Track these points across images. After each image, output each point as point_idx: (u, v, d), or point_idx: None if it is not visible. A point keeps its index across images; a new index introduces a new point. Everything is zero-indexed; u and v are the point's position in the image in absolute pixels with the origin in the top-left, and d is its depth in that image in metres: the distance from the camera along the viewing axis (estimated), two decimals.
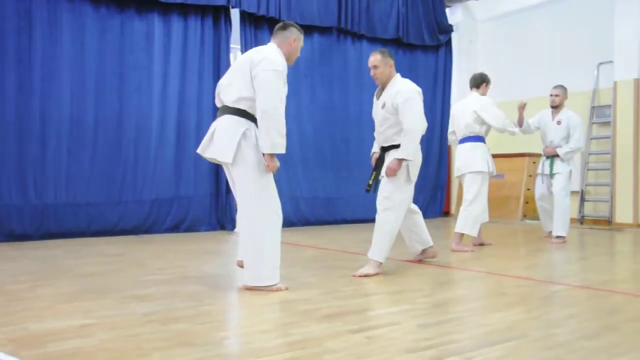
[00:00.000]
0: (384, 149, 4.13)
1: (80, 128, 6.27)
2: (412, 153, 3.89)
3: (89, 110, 6.32)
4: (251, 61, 3.28)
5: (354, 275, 3.88)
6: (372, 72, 4.07)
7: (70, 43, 6.21)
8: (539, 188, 6.15)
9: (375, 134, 4.21)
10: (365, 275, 3.87)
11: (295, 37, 3.47)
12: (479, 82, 5.54)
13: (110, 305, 2.99)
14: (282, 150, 3.24)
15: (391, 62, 4.06)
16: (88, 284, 3.55)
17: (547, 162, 6.06)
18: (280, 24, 3.51)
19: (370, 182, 4.14)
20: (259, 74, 3.23)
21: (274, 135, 3.20)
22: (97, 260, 4.62)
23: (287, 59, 3.47)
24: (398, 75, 4.09)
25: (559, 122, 5.98)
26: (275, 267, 3.34)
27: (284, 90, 3.27)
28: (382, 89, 4.11)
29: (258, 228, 3.27)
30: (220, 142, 3.30)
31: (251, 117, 3.31)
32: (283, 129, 3.24)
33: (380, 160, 4.14)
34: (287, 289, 3.36)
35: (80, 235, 6.18)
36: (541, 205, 6.19)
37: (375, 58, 4.03)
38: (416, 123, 3.89)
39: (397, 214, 3.96)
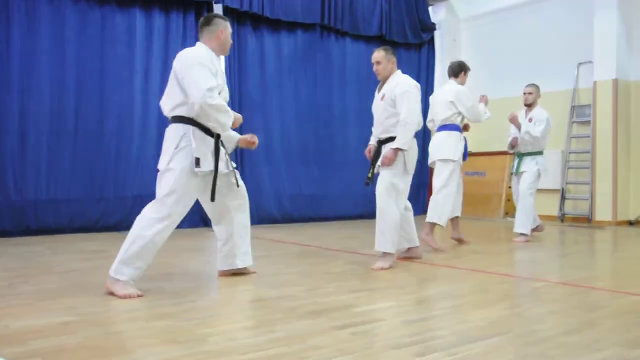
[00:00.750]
0: (381, 142, 4.20)
1: (61, 123, 6.19)
2: (407, 143, 4.02)
3: (70, 105, 6.24)
4: (174, 68, 3.29)
5: (372, 269, 3.95)
6: (374, 68, 4.25)
7: (49, 36, 6.12)
8: (514, 187, 6.20)
9: (374, 128, 4.30)
10: (381, 269, 3.95)
11: (221, 28, 3.44)
12: (457, 70, 5.54)
13: (92, 302, 2.96)
14: (230, 124, 3.30)
15: (393, 59, 4.26)
16: (70, 281, 3.52)
17: (516, 161, 6.11)
18: (202, 19, 3.48)
19: (370, 175, 4.21)
20: (183, 74, 3.22)
21: (218, 119, 3.23)
22: (79, 257, 4.57)
23: (221, 51, 3.46)
24: (399, 71, 4.26)
25: (530, 120, 6.03)
26: (125, 260, 3.14)
27: (212, 80, 3.19)
28: (383, 83, 4.26)
29: (136, 225, 3.20)
30: (162, 153, 3.31)
31: (188, 120, 3.27)
32: (222, 109, 3.21)
33: (377, 154, 4.20)
34: (138, 296, 3.10)
35: (61, 231, 6.11)
36: (516, 203, 6.19)
37: (378, 54, 4.23)
38: (412, 115, 4.03)
39: (397, 204, 4.04)
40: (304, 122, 8.04)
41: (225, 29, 3.47)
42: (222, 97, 3.35)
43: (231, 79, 7.22)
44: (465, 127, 5.59)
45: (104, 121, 6.44)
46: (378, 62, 4.21)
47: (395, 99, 4.08)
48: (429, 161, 5.45)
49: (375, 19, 8.75)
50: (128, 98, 6.55)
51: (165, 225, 3.21)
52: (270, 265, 4.23)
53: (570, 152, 8.28)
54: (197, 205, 7.55)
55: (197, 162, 3.23)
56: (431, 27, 9.45)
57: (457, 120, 5.39)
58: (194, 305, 2.94)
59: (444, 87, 5.56)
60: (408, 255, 4.52)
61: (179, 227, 6.60)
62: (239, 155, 7.42)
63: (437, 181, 5.26)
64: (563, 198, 8.22)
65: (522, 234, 5.81)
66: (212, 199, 3.39)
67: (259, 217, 7.56)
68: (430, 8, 9.57)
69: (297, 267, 4.18)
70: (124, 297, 3.07)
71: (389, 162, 4.03)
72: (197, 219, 6.85)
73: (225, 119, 3.27)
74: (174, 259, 4.52)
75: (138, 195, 6.57)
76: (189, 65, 3.21)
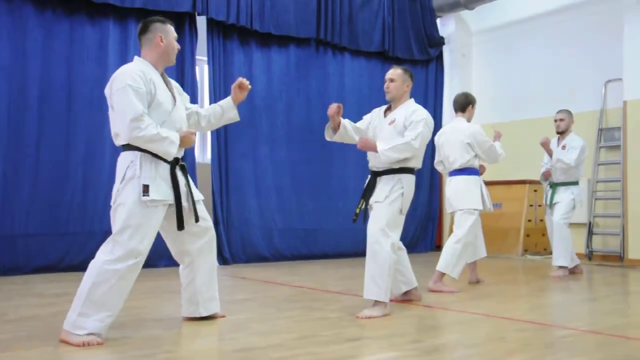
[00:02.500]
0: (376, 174, 4.17)
1: (20, 148, 6.18)
2: (392, 157, 3.99)
3: (31, 127, 6.24)
4: (106, 94, 3.32)
5: (357, 317, 3.87)
6: (386, 85, 4.26)
7: (8, 49, 6.14)
8: (548, 221, 6.36)
9: (370, 156, 4.24)
10: (370, 317, 3.86)
11: (160, 35, 3.43)
12: (464, 104, 5.57)
13: (50, 356, 2.92)
14: (174, 149, 3.29)
15: (409, 82, 4.30)
16: (23, 331, 3.47)
17: (550, 192, 6.27)
18: (139, 26, 3.49)
19: (357, 210, 4.19)
20: (111, 101, 3.26)
21: (154, 149, 3.24)
22: (35, 302, 4.52)
23: (164, 62, 3.48)
24: (412, 100, 4.30)
25: (563, 147, 6.17)
26: (85, 313, 3.11)
27: (138, 107, 3.17)
28: (392, 106, 4.28)
29: (89, 271, 3.18)
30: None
31: (134, 147, 3.28)
32: (153, 139, 3.20)
33: (370, 188, 4.18)
34: (98, 344, 3.07)
35: (16, 272, 6.04)
36: (550, 238, 6.38)
37: (395, 72, 4.29)
38: (420, 142, 4.03)
39: (393, 245, 3.99)
40: (297, 148, 8.06)
41: (166, 34, 3.46)
42: (173, 117, 3.37)
43: (216, 98, 7.28)
44: (482, 169, 5.67)
45: (70, 147, 6.44)
46: (392, 80, 4.24)
47: (410, 125, 4.08)
48: (449, 210, 5.55)
49: (377, 33, 8.86)
50: (98, 121, 6.52)
51: (128, 266, 3.18)
52: (258, 310, 4.20)
53: (597, 181, 8.31)
54: None
55: (146, 189, 3.22)
56: (439, 42, 9.57)
57: (475, 164, 5.47)
58: (170, 357, 2.90)
59: (455, 126, 5.56)
60: (406, 298, 4.50)
61: (152, 266, 6.63)
62: (224, 185, 7.43)
63: (458, 230, 5.30)
64: (590, 233, 8.21)
65: (561, 267, 5.93)
66: (180, 227, 3.38)
67: (246, 255, 7.54)
68: (438, 20, 9.70)
69: (288, 311, 4.14)
70: (81, 345, 3.03)
71: (362, 144, 4.05)
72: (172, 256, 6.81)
73: (164, 148, 3.26)
74: (146, 302, 4.47)
75: (108, 230, 6.49)
76: (115, 90, 3.23)
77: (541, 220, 8.67)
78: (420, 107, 4.21)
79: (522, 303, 4.71)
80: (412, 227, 8.99)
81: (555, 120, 6.33)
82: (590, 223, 8.22)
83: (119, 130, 3.25)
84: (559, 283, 5.75)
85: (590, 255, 8.16)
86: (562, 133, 6.30)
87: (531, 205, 8.71)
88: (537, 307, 4.57)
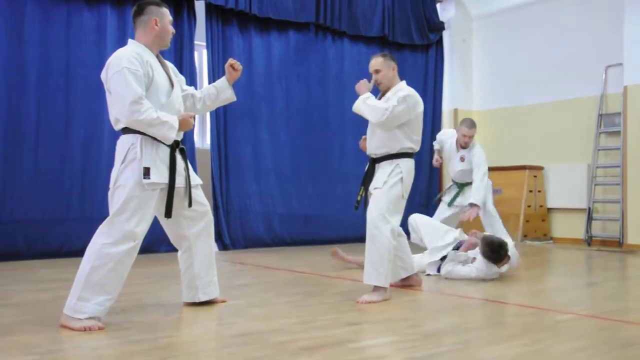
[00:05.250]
0: (376, 160, 4.18)
1: (19, 134, 6.18)
2: (357, 107, 4.17)
3: (29, 113, 6.23)
4: (102, 78, 3.33)
5: (357, 302, 3.88)
6: (374, 77, 4.23)
7: (5, 35, 6.12)
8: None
9: (368, 142, 4.27)
10: (369, 302, 3.87)
11: (155, 18, 3.42)
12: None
13: (53, 339, 2.94)
14: (173, 134, 3.30)
15: (393, 64, 4.23)
16: (27, 315, 3.49)
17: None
18: (134, 9, 3.48)
19: (359, 198, 4.23)
20: (109, 85, 3.26)
21: (153, 133, 3.26)
22: (38, 287, 4.54)
23: (159, 45, 3.47)
24: (404, 82, 4.27)
25: (462, 159, 6.45)
26: (84, 297, 3.12)
27: (137, 89, 3.18)
28: (384, 93, 4.26)
29: (87, 254, 3.22)
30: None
31: (135, 130, 3.29)
32: (153, 123, 3.21)
33: (369, 174, 4.19)
34: (99, 329, 3.10)
35: (18, 257, 6.06)
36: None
37: (376, 61, 4.21)
38: (391, 114, 4.02)
39: (393, 230, 3.99)
40: (297, 133, 8.06)
41: (161, 17, 3.45)
42: (171, 100, 3.39)
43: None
44: None
45: (69, 132, 6.44)
46: (377, 71, 4.20)
47: (390, 99, 4.09)
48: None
49: (377, 18, 8.82)
50: (97, 106, 6.52)
51: (126, 249, 3.20)
52: (258, 295, 4.22)
53: (597, 167, 8.31)
54: None
55: (147, 172, 3.24)
56: (439, 27, 9.53)
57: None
58: (170, 342, 2.92)
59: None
60: (407, 284, 4.52)
61: (154, 251, 6.65)
62: (224, 170, 7.43)
63: None
64: (590, 219, 8.23)
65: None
66: (167, 214, 3.39)
67: (245, 241, 7.56)
68: (438, 5, 9.66)
69: (288, 296, 4.16)
70: (81, 329, 3.06)
71: (359, 88, 4.20)
72: None
73: (163, 133, 3.26)
74: (147, 287, 4.50)
75: (108, 216, 6.55)
76: (112, 74, 3.22)
77: (541, 206, 8.70)
78: (407, 88, 4.16)
79: (522, 288, 4.73)
80: (410, 211, 8.95)
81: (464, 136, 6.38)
82: (589, 209, 8.24)
83: (118, 114, 3.25)
84: (558, 268, 5.77)
85: (589, 241, 8.18)
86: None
87: (530, 191, 8.72)
88: (537, 292, 4.59)
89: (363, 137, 4.39)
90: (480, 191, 6.07)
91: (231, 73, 3.78)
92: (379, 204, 4.00)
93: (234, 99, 3.90)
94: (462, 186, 6.49)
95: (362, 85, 4.20)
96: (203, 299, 3.72)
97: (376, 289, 3.99)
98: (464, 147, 6.37)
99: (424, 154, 9.28)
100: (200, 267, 3.68)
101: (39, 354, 2.66)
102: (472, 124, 6.30)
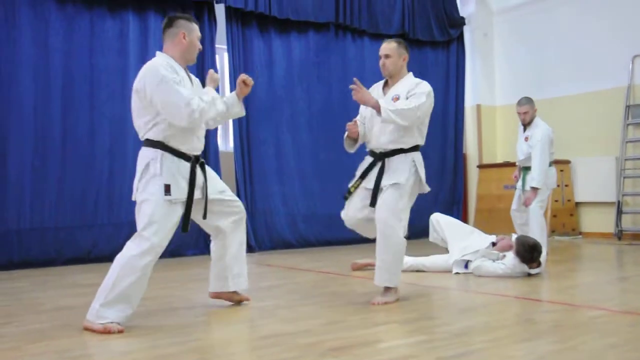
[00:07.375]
0: (384, 155, 4.04)
1: (46, 141, 6.27)
2: (390, 118, 3.80)
3: (56, 121, 6.32)
4: (136, 88, 3.37)
5: (372, 303, 3.84)
6: (381, 62, 4.09)
7: (31, 44, 6.21)
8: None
9: (369, 136, 4.15)
10: (386, 303, 3.83)
11: (183, 32, 3.47)
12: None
13: (86, 344, 2.99)
14: (238, 107, 3.64)
15: (405, 55, 4.09)
16: (60, 320, 3.55)
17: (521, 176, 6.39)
18: (165, 21, 3.55)
19: (352, 190, 4.16)
20: (152, 94, 3.29)
21: (216, 121, 3.58)
22: (70, 292, 4.61)
23: (185, 59, 3.52)
24: (411, 74, 4.14)
25: (526, 139, 6.21)
26: (108, 303, 3.21)
27: (184, 91, 3.28)
28: (387, 84, 4.14)
29: (116, 263, 3.29)
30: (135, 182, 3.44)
31: (158, 144, 3.37)
32: (209, 113, 3.41)
33: (369, 169, 4.09)
34: (119, 332, 3.16)
35: (49, 264, 6.15)
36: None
37: (389, 46, 4.06)
38: (422, 113, 3.89)
39: (405, 229, 3.94)
40: (319, 133, 8.06)
41: (189, 31, 3.50)
42: None
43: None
44: None
45: (95, 138, 6.51)
46: (387, 55, 4.04)
47: (413, 96, 3.92)
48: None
49: (397, 15, 8.78)
50: (121, 112, 6.58)
51: (149, 260, 3.30)
52: (285, 296, 4.24)
53: (626, 159, 8.19)
54: (202, 231, 7.54)
55: (167, 189, 3.32)
56: (460, 22, 9.47)
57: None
58: (200, 345, 2.95)
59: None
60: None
61: (181, 255, 6.69)
62: (247, 172, 7.47)
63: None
64: (619, 212, 8.12)
65: None
66: (184, 229, 3.47)
67: (271, 242, 7.58)
68: (458, 0, 9.59)
69: (315, 297, 4.17)
70: (101, 330, 3.14)
71: (360, 97, 3.91)
72: (201, 245, 6.89)
73: (220, 116, 3.51)
74: (176, 290, 4.54)
75: (134, 221, 6.61)
76: (153, 85, 3.28)
77: (568, 200, 8.59)
78: (423, 81, 4.05)
79: (552, 284, 4.68)
80: (435, 209, 8.93)
81: (519, 114, 6.22)
82: (619, 202, 8.12)
83: (177, 122, 3.31)
84: (588, 263, 5.70)
85: (619, 235, 8.06)
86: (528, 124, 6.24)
87: (558, 186, 8.61)
88: (567, 288, 4.54)
89: (354, 120, 4.20)
90: (536, 171, 5.90)
91: (242, 88, 3.70)
92: (394, 202, 3.87)
93: (243, 114, 3.81)
94: (525, 170, 6.27)
95: (364, 93, 3.95)
96: (232, 288, 3.76)
97: (388, 289, 3.92)
98: (526, 126, 6.24)
99: (448, 152, 9.25)
100: (232, 258, 3.74)
101: (71, 359, 2.70)
102: (522, 101, 6.19)
